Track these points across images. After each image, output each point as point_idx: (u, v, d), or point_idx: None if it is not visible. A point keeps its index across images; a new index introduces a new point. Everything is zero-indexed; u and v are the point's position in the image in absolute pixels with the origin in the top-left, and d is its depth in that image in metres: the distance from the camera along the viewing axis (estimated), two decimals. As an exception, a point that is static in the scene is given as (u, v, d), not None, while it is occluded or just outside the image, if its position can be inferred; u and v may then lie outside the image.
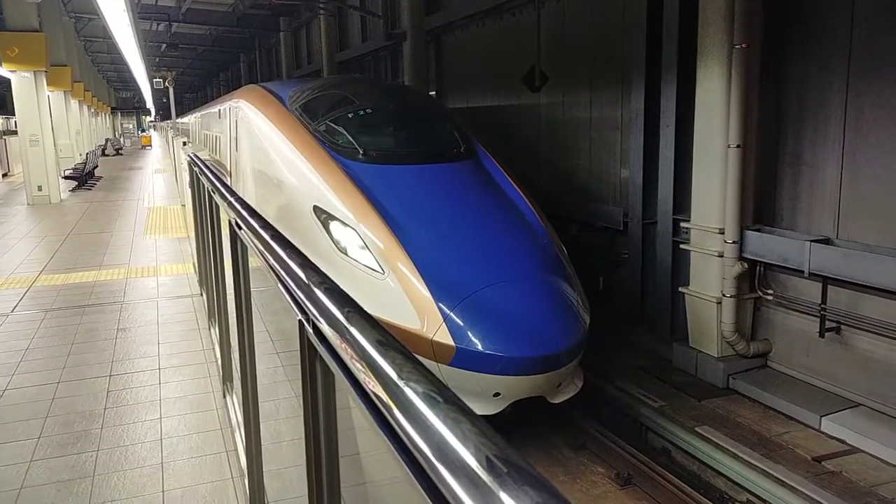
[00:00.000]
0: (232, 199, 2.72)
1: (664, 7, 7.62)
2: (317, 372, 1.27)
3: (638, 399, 6.62)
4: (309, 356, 1.29)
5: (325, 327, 1.09)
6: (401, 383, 0.79)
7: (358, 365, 0.91)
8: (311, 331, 1.21)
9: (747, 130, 6.39)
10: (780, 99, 6.53)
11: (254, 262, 2.49)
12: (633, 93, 8.24)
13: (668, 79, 7.57)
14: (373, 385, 0.85)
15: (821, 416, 5.82)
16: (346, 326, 1.01)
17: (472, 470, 0.60)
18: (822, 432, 5.77)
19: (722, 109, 6.47)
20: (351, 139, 6.79)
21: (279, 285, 1.50)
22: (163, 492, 3.10)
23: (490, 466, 0.60)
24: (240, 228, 2.36)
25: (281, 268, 1.51)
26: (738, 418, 6.10)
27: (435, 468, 0.64)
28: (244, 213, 2.32)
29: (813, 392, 6.24)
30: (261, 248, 1.83)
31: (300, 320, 1.28)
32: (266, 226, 1.98)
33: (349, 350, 0.96)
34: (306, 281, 1.29)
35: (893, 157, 5.56)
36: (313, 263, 1.42)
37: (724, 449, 5.62)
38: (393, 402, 0.78)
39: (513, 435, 5.85)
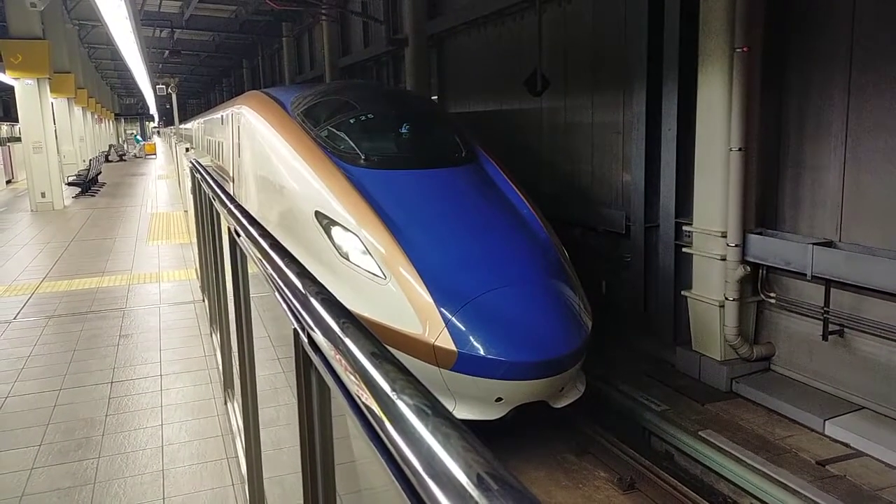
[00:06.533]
0: (231, 207, 2.72)
1: (665, 11, 7.62)
2: (312, 381, 1.27)
3: (641, 403, 6.60)
4: (304, 366, 1.28)
5: (319, 338, 1.09)
6: (393, 396, 0.79)
7: (351, 376, 0.91)
8: (305, 341, 1.21)
9: (749, 134, 6.38)
10: (782, 102, 6.52)
11: (254, 268, 2.49)
12: (635, 97, 8.24)
13: (670, 83, 7.56)
14: (365, 397, 0.84)
15: (824, 420, 5.80)
16: (340, 337, 1.00)
17: (462, 486, 0.60)
18: (826, 436, 5.74)
19: (723, 113, 6.47)
20: (352, 144, 6.80)
21: (276, 294, 1.50)
22: (163, 499, 3.10)
23: (480, 483, 0.59)
24: (239, 236, 2.36)
25: (278, 277, 1.50)
26: (742, 422, 6.07)
27: (424, 483, 0.63)
28: (243, 220, 2.32)
29: (816, 395, 6.21)
30: (259, 256, 1.82)
31: (295, 329, 1.28)
32: (265, 234, 1.97)
33: (343, 361, 0.96)
34: (303, 291, 1.29)
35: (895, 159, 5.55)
36: (311, 273, 1.41)
37: (727, 453, 5.59)
38: (385, 414, 0.77)
39: (515, 440, 5.84)
